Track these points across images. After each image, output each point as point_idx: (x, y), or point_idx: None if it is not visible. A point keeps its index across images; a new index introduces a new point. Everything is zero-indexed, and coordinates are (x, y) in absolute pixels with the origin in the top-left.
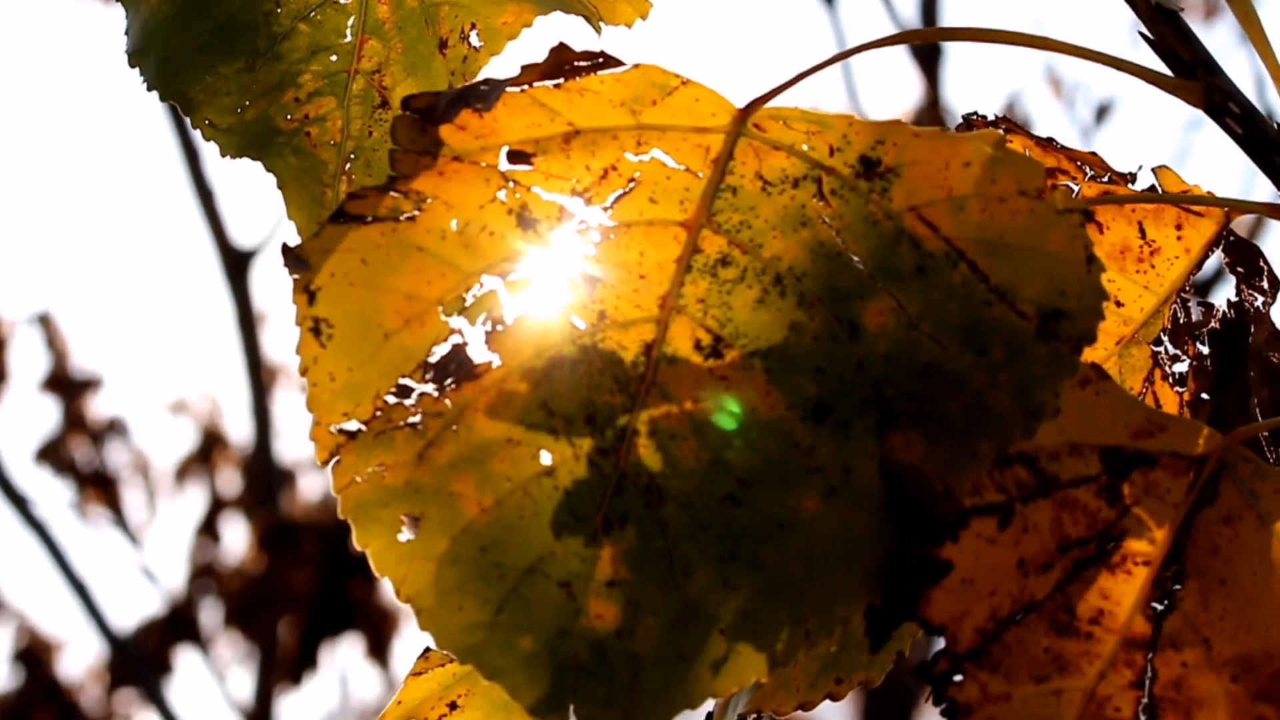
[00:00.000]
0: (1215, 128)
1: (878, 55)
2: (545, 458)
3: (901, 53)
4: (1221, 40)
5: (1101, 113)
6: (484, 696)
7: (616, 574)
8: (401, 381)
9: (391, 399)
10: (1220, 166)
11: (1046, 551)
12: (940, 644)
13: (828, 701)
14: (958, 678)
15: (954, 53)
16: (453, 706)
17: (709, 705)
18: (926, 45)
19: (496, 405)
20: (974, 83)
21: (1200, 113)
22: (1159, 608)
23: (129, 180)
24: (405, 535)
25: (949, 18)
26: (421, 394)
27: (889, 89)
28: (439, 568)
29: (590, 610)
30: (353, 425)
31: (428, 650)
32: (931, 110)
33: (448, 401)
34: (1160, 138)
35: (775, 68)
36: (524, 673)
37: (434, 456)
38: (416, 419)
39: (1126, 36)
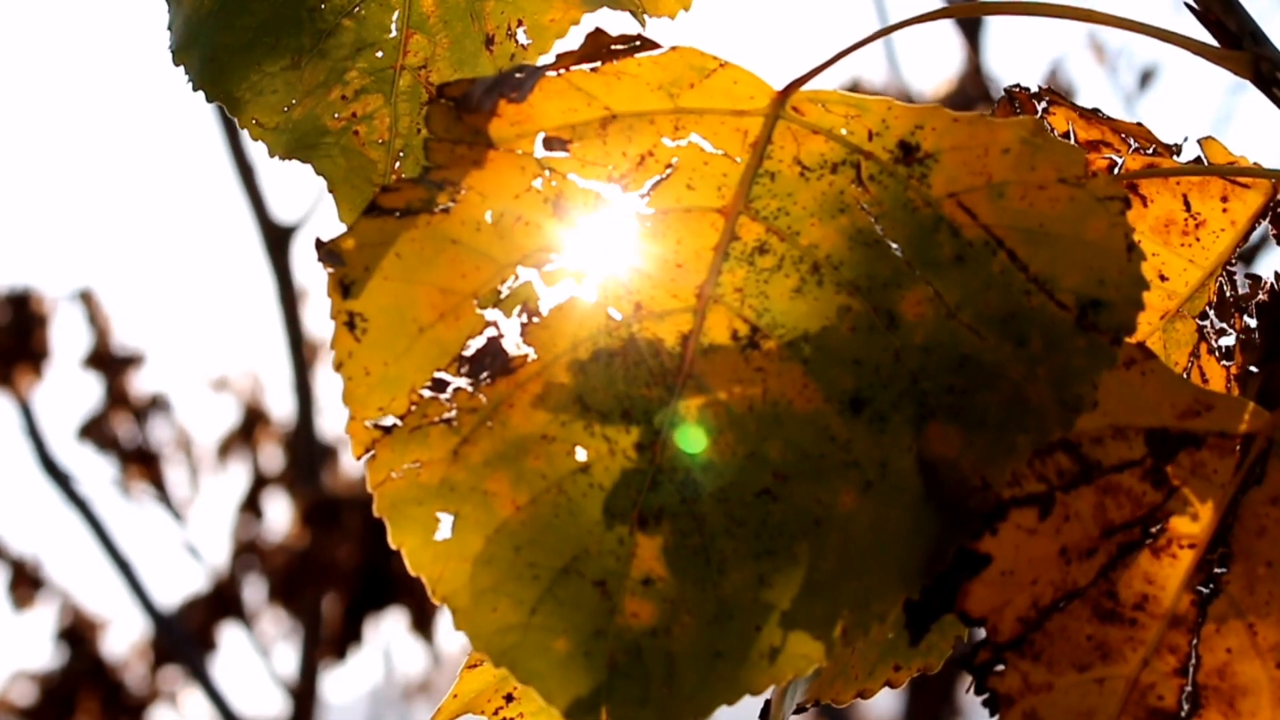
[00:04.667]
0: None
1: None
2: (580, 454)
3: (943, 21)
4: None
5: (1145, 79)
6: None
7: (652, 571)
8: (437, 376)
9: (427, 394)
10: (1267, 129)
11: (1089, 538)
12: (982, 633)
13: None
14: (999, 668)
15: (996, 20)
16: (509, 699)
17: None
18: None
19: (532, 400)
20: (1016, 50)
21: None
22: (1204, 591)
23: (170, 157)
24: (441, 534)
25: None
26: (457, 389)
27: (931, 57)
28: (474, 568)
29: (626, 609)
30: (388, 420)
31: None
32: (974, 78)
33: (483, 397)
34: (1204, 102)
35: (817, 46)
36: (559, 675)
37: (469, 454)
38: (452, 414)
39: (1170, 2)
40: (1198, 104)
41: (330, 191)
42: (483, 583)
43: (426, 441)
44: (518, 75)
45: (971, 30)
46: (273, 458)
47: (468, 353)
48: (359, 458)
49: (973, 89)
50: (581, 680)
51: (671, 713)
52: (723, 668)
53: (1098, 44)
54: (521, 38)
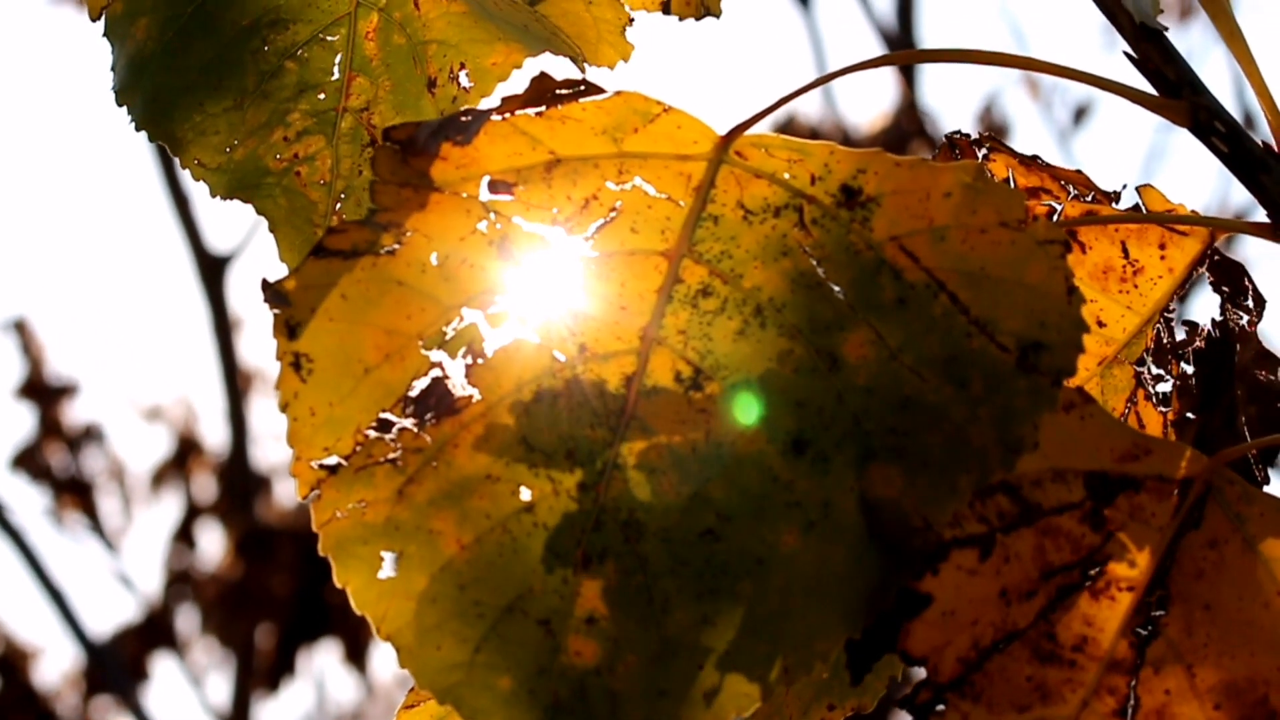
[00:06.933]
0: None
1: (853, 57)
2: (525, 494)
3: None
4: (1198, 40)
5: (1079, 115)
6: None
7: (596, 611)
8: (382, 416)
9: (372, 434)
10: (1198, 167)
11: (1029, 579)
12: (923, 673)
13: None
14: (940, 708)
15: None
16: None
17: None
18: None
19: (476, 441)
20: (951, 84)
21: None
22: (1143, 634)
23: (104, 185)
24: (385, 573)
25: (926, 15)
26: (402, 429)
27: (866, 92)
28: (418, 606)
29: (569, 648)
30: (333, 460)
31: None
32: (910, 113)
33: (428, 437)
34: (1138, 138)
35: (756, 78)
36: (503, 713)
37: (414, 493)
38: (397, 454)
39: (1101, 38)
40: (1132, 140)
41: (271, 232)
42: (427, 621)
43: (372, 481)
44: (463, 119)
45: (907, 66)
46: (206, 487)
47: (413, 393)
48: (304, 498)
49: (908, 124)
50: (525, 718)
51: None
52: (666, 706)
53: (1032, 80)
54: (464, 80)
